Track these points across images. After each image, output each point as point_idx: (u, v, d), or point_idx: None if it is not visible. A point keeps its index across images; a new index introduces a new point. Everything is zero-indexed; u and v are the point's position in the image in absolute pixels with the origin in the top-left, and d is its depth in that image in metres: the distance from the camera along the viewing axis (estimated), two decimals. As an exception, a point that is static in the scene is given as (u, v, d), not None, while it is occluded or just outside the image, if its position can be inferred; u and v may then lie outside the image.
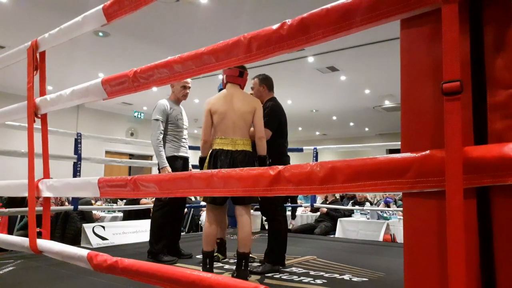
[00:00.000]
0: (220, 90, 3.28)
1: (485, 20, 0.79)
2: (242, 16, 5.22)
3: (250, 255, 3.30)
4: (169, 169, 3.22)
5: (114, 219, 5.66)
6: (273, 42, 1.06)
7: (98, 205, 6.36)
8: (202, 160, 2.73)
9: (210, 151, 2.65)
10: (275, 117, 2.99)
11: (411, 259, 0.83)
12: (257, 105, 2.73)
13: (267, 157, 2.72)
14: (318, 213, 6.63)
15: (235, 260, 2.66)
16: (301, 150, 5.74)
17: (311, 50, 6.37)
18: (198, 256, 3.29)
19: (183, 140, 3.46)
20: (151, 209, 5.59)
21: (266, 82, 3.15)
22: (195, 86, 3.54)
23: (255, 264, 3.08)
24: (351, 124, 12.97)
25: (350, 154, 11.98)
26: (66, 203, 5.16)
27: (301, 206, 6.52)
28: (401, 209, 5.70)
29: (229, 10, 5.17)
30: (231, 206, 3.45)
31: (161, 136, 3.30)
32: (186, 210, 5.08)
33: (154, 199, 5.34)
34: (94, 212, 5.30)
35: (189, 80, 3.45)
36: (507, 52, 0.76)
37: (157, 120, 3.31)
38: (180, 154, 3.41)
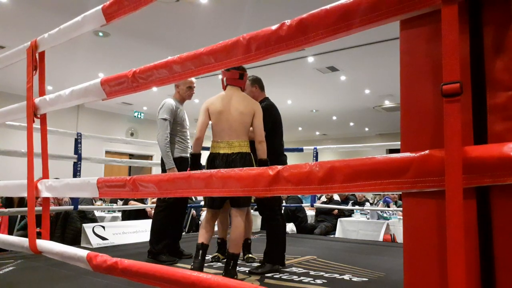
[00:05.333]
0: None
1: (484, 21, 0.78)
2: (242, 16, 5.22)
3: (250, 256, 3.31)
4: (176, 170, 3.16)
5: (114, 219, 5.66)
6: (272, 42, 1.06)
7: (98, 205, 6.36)
8: (193, 156, 2.72)
9: (207, 156, 2.66)
10: (268, 117, 2.99)
11: (411, 259, 0.83)
12: (257, 108, 2.71)
13: (268, 160, 2.71)
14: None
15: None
16: (301, 150, 5.73)
17: (311, 50, 6.37)
18: (198, 256, 3.29)
19: (188, 141, 3.44)
20: (147, 209, 5.64)
21: (258, 82, 3.15)
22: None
23: (255, 264, 3.08)
24: (351, 124, 12.97)
25: (350, 154, 11.99)
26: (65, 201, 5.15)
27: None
28: (401, 209, 5.70)
29: (229, 10, 5.17)
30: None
31: (169, 136, 3.23)
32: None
33: (153, 200, 5.35)
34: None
35: (194, 80, 3.42)
36: (507, 54, 0.76)
37: (165, 119, 3.23)
38: (187, 155, 3.39)
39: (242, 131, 2.64)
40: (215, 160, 2.59)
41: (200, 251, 2.61)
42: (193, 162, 2.72)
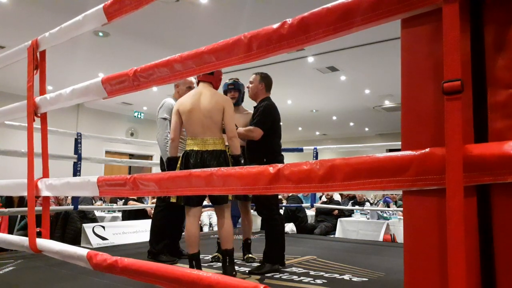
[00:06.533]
0: (224, 91, 3.27)
1: (485, 19, 0.79)
2: (242, 16, 5.22)
3: (250, 256, 3.31)
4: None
5: (114, 219, 5.65)
6: (274, 41, 1.06)
7: (98, 205, 6.36)
8: (170, 160, 2.66)
9: (183, 153, 2.62)
10: (268, 116, 2.98)
11: (411, 258, 0.83)
12: (226, 104, 2.64)
13: (242, 155, 2.67)
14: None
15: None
16: (301, 150, 5.73)
17: (311, 50, 6.37)
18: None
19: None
20: (147, 209, 5.64)
21: (266, 81, 3.14)
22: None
23: (255, 264, 3.08)
24: (351, 124, 12.97)
25: (350, 154, 11.91)
26: (65, 202, 5.16)
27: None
28: (401, 209, 5.70)
29: (229, 10, 5.17)
30: (234, 206, 3.45)
31: (169, 135, 3.25)
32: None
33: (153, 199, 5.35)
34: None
35: (193, 80, 3.42)
36: (508, 52, 0.76)
37: (165, 119, 3.23)
38: None
39: (214, 128, 2.59)
40: (189, 158, 2.55)
41: (194, 262, 2.56)
42: (170, 166, 2.63)
